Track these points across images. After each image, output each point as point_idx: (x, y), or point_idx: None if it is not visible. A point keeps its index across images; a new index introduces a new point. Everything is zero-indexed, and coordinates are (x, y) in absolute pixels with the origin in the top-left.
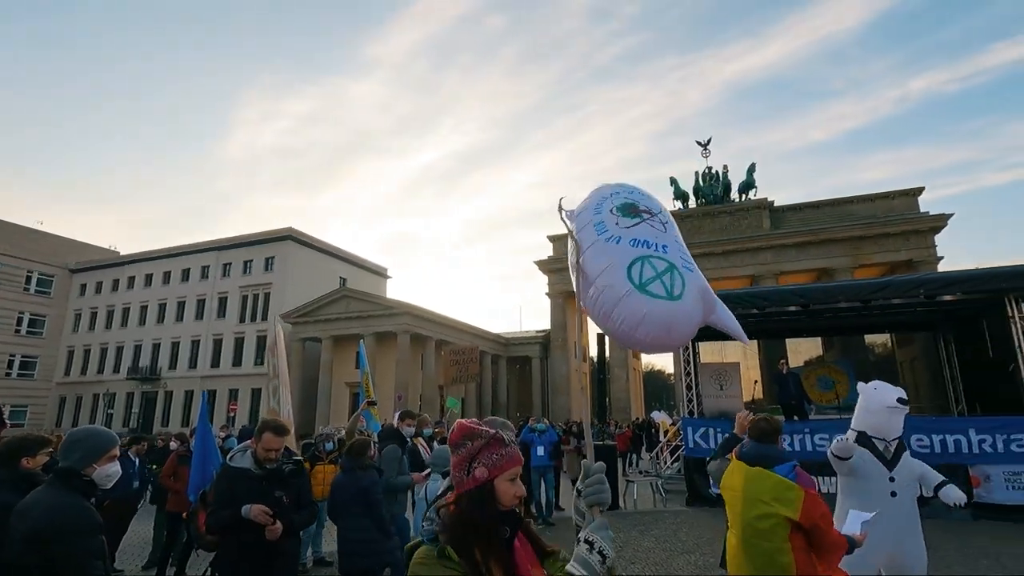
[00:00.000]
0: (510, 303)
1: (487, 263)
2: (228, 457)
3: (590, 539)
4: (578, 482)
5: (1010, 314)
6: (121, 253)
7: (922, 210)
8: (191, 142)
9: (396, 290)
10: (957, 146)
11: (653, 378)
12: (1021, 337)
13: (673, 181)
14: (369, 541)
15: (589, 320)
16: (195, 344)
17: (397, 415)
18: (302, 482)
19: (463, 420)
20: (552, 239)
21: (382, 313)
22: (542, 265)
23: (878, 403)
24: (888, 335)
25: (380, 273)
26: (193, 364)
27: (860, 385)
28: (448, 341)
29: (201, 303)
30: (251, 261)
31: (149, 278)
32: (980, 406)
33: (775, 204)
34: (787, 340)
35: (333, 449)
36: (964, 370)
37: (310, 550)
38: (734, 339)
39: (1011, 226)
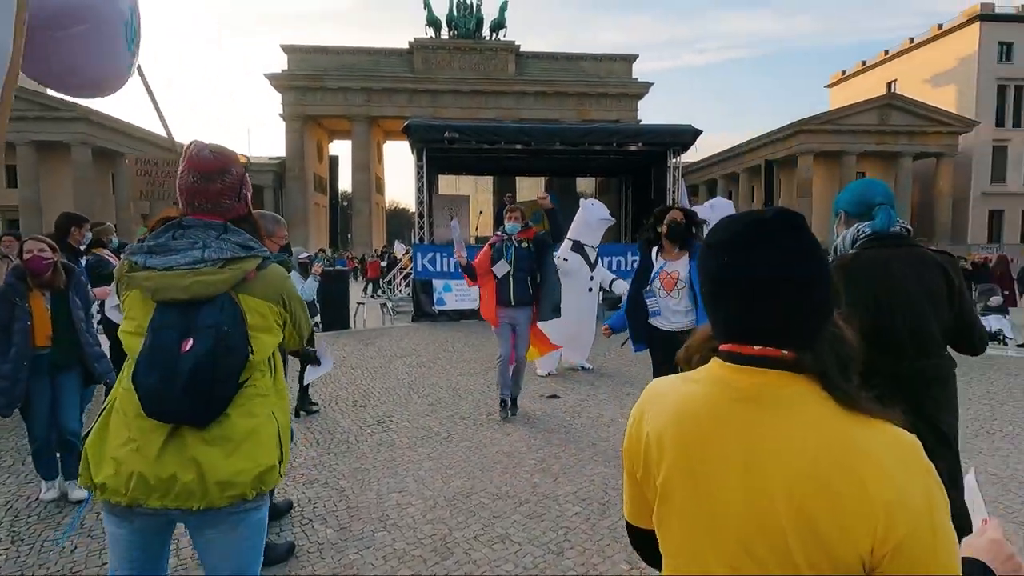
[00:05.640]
0: (237, 124)
1: (208, 74)
2: None
3: None
4: None
5: (668, 163)
6: None
7: (633, 76)
8: None
9: None
10: (678, 24)
11: (397, 215)
12: (672, 183)
13: (426, 4)
14: None
15: (329, 147)
16: None
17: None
18: None
19: (216, 146)
20: (288, 50)
21: (43, 116)
22: (276, 80)
23: (593, 216)
24: (593, 181)
25: None
26: None
27: (582, 201)
28: None
29: None
30: None
31: None
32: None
33: (521, 49)
34: (517, 178)
35: None
36: (634, 210)
37: None
38: None
39: (697, 102)
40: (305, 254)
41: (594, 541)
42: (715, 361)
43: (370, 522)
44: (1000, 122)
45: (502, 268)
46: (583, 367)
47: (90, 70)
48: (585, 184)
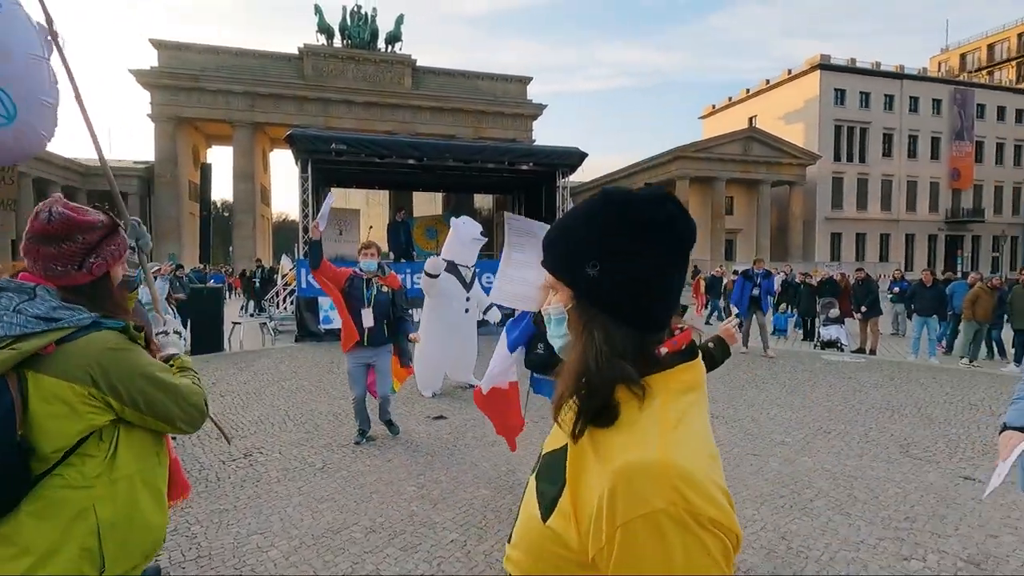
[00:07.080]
0: (95, 122)
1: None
2: None
3: (166, 330)
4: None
5: (557, 183)
6: None
7: (528, 98)
8: None
9: None
10: (569, 51)
11: (286, 228)
12: (561, 201)
13: (318, 10)
14: None
15: (207, 153)
16: None
17: None
18: None
19: (63, 214)
20: (157, 44)
21: None
22: (143, 77)
23: (466, 235)
24: (491, 198)
25: None
26: None
27: (452, 220)
28: None
29: None
30: None
31: None
32: None
33: (418, 63)
34: (414, 194)
35: None
36: None
37: None
38: None
39: (586, 124)
40: (156, 267)
41: (468, 569)
42: (681, 368)
43: (223, 571)
44: (837, 157)
45: (368, 319)
46: (470, 384)
47: None
48: (483, 200)
